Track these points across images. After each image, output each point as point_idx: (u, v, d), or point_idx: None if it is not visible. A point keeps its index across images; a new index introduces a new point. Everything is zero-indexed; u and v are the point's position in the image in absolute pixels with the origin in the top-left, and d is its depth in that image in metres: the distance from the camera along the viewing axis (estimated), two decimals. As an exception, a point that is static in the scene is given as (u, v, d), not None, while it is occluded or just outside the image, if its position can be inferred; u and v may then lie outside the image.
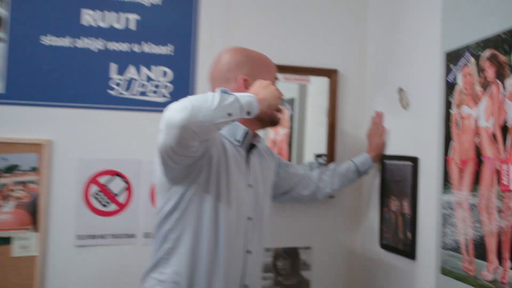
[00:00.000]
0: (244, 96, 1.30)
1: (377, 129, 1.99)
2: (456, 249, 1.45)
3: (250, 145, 1.57)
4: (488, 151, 1.34)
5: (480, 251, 1.35)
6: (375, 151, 1.97)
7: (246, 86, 1.50)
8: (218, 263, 1.41)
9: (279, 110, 1.56)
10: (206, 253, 1.40)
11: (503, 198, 1.27)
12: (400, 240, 1.81)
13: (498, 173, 1.30)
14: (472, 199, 1.40)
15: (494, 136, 1.32)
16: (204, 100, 1.23)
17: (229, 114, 1.24)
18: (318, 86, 2.16)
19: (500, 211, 1.28)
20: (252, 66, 1.54)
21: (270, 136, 2.15)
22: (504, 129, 1.29)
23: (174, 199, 1.42)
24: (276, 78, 1.60)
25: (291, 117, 2.16)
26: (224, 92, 1.27)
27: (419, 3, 1.79)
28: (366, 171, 1.96)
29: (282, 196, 1.87)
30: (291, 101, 2.16)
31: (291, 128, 2.15)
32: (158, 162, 1.41)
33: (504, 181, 1.26)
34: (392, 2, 2.01)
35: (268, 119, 1.55)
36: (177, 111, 1.22)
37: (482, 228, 1.35)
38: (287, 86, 2.12)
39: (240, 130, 1.52)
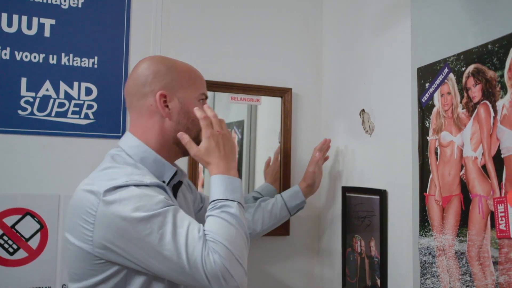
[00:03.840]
0: (234, 189, 1.18)
1: (313, 156, 1.75)
2: (440, 305, 1.20)
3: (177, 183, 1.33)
4: (477, 187, 1.11)
5: (471, 311, 1.10)
6: (306, 181, 1.72)
7: (165, 105, 1.25)
8: None
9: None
10: None
11: (501, 247, 1.03)
12: (367, 287, 1.55)
13: (491, 214, 1.06)
14: (458, 245, 1.15)
15: (484, 168, 1.09)
16: (235, 240, 1.09)
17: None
18: (269, 107, 1.95)
19: (496, 262, 1.04)
20: (173, 79, 1.26)
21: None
22: (497, 160, 1.05)
23: (107, 272, 1.13)
24: (205, 95, 1.33)
25: (240, 142, 1.91)
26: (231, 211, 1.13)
27: (383, 11, 1.57)
28: (297, 207, 1.69)
29: None
30: (240, 124, 1.93)
31: (240, 153, 1.91)
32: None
33: (502, 226, 1.02)
34: (350, 14, 1.79)
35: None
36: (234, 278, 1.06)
37: (473, 282, 1.10)
38: (235, 107, 1.93)
39: (168, 170, 1.27)
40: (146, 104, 1.24)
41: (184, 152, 1.30)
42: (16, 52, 1.61)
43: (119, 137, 1.68)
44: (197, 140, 1.26)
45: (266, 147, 1.99)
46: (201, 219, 1.52)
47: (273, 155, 1.91)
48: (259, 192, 1.83)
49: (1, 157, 1.61)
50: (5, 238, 1.58)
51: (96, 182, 1.14)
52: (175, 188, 1.32)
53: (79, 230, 1.12)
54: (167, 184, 1.26)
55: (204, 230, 1.08)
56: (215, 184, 1.18)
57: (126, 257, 1.09)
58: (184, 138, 1.24)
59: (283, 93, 1.92)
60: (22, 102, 1.62)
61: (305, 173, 1.74)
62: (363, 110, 1.67)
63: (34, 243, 1.61)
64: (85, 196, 1.12)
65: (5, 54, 1.59)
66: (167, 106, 1.24)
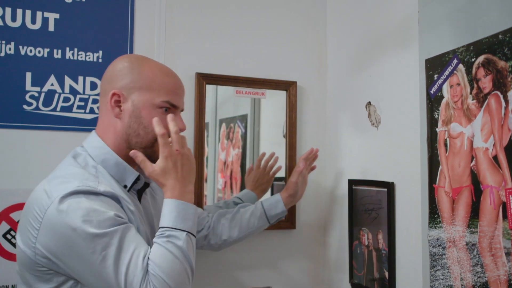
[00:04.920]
0: (186, 216, 1.13)
1: (297, 165, 1.68)
2: (450, 297, 1.20)
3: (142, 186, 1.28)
4: (488, 178, 1.10)
5: (483, 302, 1.10)
6: (288, 191, 1.64)
7: (116, 105, 1.20)
8: None
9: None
10: None
11: (513, 238, 1.03)
12: (375, 279, 1.55)
13: (503, 205, 1.05)
14: (469, 237, 1.15)
15: (495, 159, 1.08)
16: (177, 274, 1.06)
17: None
18: (274, 100, 1.93)
19: (509, 253, 1.04)
20: (132, 80, 1.20)
21: (220, 157, 1.87)
22: (509, 150, 1.05)
23: (54, 280, 1.10)
24: (170, 104, 1.22)
25: (244, 136, 1.89)
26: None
27: (390, 2, 1.56)
28: (276, 216, 1.62)
29: None
30: (243, 118, 1.92)
31: (243, 148, 1.90)
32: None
33: (514, 216, 1.02)
34: (355, 5, 1.78)
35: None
36: None
37: (484, 273, 1.10)
38: (238, 101, 1.92)
39: (129, 175, 1.22)
40: (104, 101, 1.21)
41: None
42: (20, 47, 1.59)
43: (124, 132, 1.69)
44: (151, 150, 1.20)
45: (270, 141, 1.99)
46: None
47: (255, 162, 1.85)
48: (239, 198, 1.78)
49: (6, 152, 1.59)
50: (12, 233, 1.57)
51: (52, 182, 1.11)
52: (140, 191, 1.27)
53: (26, 232, 1.09)
54: (129, 189, 1.22)
55: (148, 259, 1.04)
56: (167, 210, 1.12)
57: (66, 269, 1.06)
58: (138, 156, 1.17)
59: (288, 86, 1.91)
60: (27, 97, 1.60)
61: (287, 182, 1.67)
62: (369, 102, 1.66)
63: (40, 238, 1.60)
64: (40, 196, 1.09)
65: (10, 49, 1.58)
66: (119, 107, 1.19)
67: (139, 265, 1.02)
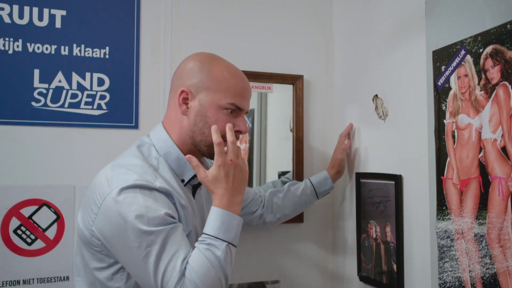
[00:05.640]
0: (229, 227, 1.16)
1: (341, 143, 1.77)
2: (459, 288, 1.20)
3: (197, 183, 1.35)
4: (497, 169, 1.10)
5: (492, 293, 1.10)
6: (335, 168, 1.75)
7: (184, 102, 1.26)
8: None
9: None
10: None
11: (523, 229, 1.02)
12: (384, 272, 1.55)
13: (512, 196, 1.05)
14: (477, 228, 1.14)
15: (504, 150, 1.08)
16: (210, 282, 1.10)
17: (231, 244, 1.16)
18: (281, 94, 1.93)
19: (518, 244, 1.03)
20: (201, 79, 1.25)
21: (228, 152, 1.87)
22: (517, 141, 1.05)
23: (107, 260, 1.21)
24: (235, 107, 1.26)
25: (251, 130, 1.91)
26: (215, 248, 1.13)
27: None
28: (325, 192, 1.74)
29: None
30: (250, 112, 1.92)
31: (251, 142, 1.90)
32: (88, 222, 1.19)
33: (523, 207, 1.02)
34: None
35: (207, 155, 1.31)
36: None
37: (493, 264, 1.10)
38: None
39: (188, 170, 1.28)
40: (173, 97, 1.27)
41: (204, 154, 1.30)
42: (28, 44, 1.60)
43: (132, 127, 1.70)
44: (212, 149, 1.23)
45: (277, 135, 1.99)
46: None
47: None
48: (288, 178, 1.87)
49: (16, 148, 1.60)
50: (23, 228, 1.59)
51: (114, 171, 1.19)
52: (195, 186, 1.33)
53: (86, 214, 1.19)
54: (186, 184, 1.27)
55: (187, 263, 1.10)
56: (212, 218, 1.17)
57: (115, 254, 1.15)
58: (192, 161, 1.22)
59: (294, 80, 1.91)
60: (35, 94, 1.61)
61: (333, 160, 1.76)
62: (376, 95, 1.65)
63: (51, 233, 1.61)
64: (102, 182, 1.17)
65: (18, 46, 1.59)
66: (186, 104, 1.24)
67: (177, 267, 1.08)
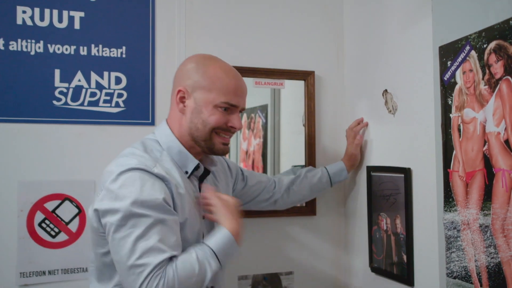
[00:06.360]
0: (229, 254, 1.24)
1: (354, 137, 1.82)
2: (466, 277, 1.23)
3: (203, 173, 1.40)
4: (500, 161, 1.13)
5: (496, 281, 1.13)
6: (350, 161, 1.82)
7: (181, 101, 1.33)
8: None
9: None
10: None
11: (524, 219, 1.05)
12: (394, 263, 1.59)
13: (515, 187, 1.08)
14: (482, 219, 1.18)
15: (507, 143, 1.11)
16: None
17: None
18: (293, 90, 1.97)
19: (520, 234, 1.07)
20: (197, 79, 1.31)
21: (242, 147, 1.93)
22: (520, 134, 1.08)
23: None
24: (228, 104, 1.31)
25: (264, 126, 1.94)
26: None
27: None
28: (339, 182, 1.83)
29: (244, 205, 1.66)
30: (264, 108, 1.95)
31: (264, 137, 1.94)
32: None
33: (525, 198, 1.05)
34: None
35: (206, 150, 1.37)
36: None
37: (497, 253, 1.13)
38: (258, 91, 1.95)
39: (190, 162, 1.34)
40: (174, 96, 1.34)
41: (203, 149, 1.35)
42: (49, 45, 1.67)
43: (149, 124, 1.76)
44: (210, 143, 1.32)
45: (290, 130, 2.02)
46: (243, 197, 1.65)
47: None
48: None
49: (38, 145, 1.67)
50: (47, 222, 1.66)
51: (116, 161, 1.26)
52: (202, 177, 1.39)
53: (94, 201, 1.26)
54: (190, 175, 1.33)
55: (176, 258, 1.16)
56: (220, 236, 1.23)
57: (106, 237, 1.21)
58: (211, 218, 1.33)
59: (306, 76, 1.94)
60: (56, 93, 1.68)
61: (349, 155, 1.82)
62: (386, 90, 1.68)
63: (73, 226, 1.68)
64: (107, 169, 1.25)
65: (39, 48, 1.66)
66: (183, 103, 1.31)
67: (157, 258, 1.13)
